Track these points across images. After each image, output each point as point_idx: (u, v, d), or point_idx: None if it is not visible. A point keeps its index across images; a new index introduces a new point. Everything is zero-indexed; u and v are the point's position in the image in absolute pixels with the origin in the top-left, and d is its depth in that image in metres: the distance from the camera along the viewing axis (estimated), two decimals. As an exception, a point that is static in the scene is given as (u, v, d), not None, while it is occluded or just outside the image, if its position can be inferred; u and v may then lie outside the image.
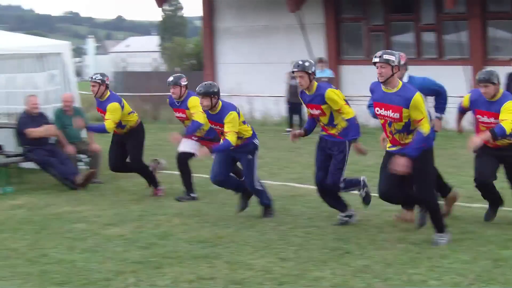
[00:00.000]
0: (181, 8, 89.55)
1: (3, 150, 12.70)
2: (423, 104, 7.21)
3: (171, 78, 10.13)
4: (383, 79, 7.24)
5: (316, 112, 8.38)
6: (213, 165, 9.09)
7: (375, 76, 7.33)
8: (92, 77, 10.63)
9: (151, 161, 11.21)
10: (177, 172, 10.53)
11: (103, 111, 10.49)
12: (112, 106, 10.40)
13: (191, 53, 42.20)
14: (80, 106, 13.07)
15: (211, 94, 8.72)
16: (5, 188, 11.34)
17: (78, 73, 36.34)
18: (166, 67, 47.12)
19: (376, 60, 7.22)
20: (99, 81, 10.56)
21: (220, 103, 8.82)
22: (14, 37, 14.21)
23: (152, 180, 10.85)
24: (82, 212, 9.69)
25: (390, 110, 7.27)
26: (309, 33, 20.75)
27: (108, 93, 10.66)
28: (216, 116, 8.82)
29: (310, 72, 8.24)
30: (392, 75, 7.22)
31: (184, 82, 10.12)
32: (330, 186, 8.37)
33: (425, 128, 7.21)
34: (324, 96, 8.19)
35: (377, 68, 7.23)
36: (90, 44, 55.71)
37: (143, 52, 74.61)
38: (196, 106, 9.79)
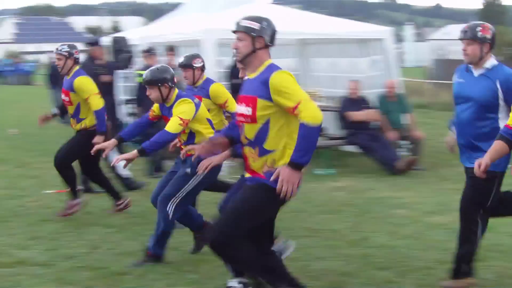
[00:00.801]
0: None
1: (326, 132, 12.99)
2: None
3: (181, 59, 7.95)
4: None
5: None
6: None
7: None
8: (57, 49, 8.54)
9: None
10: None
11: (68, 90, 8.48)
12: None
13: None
14: (403, 92, 12.97)
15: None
16: (327, 169, 11.57)
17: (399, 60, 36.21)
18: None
19: None
20: (66, 53, 8.47)
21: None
22: (337, 22, 14.44)
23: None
24: (403, 198, 9.57)
25: None
26: None
27: (76, 68, 8.55)
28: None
29: None
30: None
31: (198, 63, 7.81)
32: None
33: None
34: None
35: None
36: (409, 31, 55.58)
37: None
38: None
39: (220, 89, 7.66)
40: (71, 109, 8.47)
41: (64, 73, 8.45)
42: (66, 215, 8.36)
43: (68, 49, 8.41)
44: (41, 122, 8.74)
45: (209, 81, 7.68)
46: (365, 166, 11.92)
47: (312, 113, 4.67)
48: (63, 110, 8.72)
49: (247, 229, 4.91)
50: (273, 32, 4.99)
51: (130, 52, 11.00)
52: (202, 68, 7.70)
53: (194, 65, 7.61)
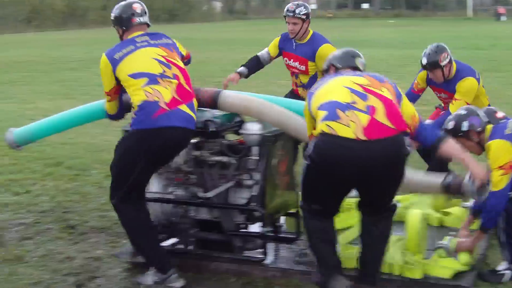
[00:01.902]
0: None
1: None
2: None
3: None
4: None
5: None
6: None
7: None
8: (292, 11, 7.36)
9: None
10: None
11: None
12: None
13: None
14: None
15: None
16: None
17: None
18: None
19: None
20: (304, 16, 7.37)
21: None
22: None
23: None
24: None
25: None
26: None
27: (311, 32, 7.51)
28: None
29: None
30: None
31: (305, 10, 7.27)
32: None
33: None
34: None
35: None
36: None
37: None
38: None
39: None
40: (304, 78, 7.59)
41: (298, 38, 7.45)
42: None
43: (306, 11, 7.38)
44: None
45: None
46: None
47: None
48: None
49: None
50: None
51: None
52: None
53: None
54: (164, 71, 5.04)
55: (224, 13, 70.14)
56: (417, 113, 4.80)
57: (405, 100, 4.74)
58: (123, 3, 5.39)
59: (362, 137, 4.38)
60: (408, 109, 4.73)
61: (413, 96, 7.19)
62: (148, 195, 5.41)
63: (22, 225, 6.73)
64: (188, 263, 5.50)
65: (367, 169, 4.44)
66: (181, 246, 5.65)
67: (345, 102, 4.49)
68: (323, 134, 4.47)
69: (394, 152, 4.48)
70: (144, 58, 5.07)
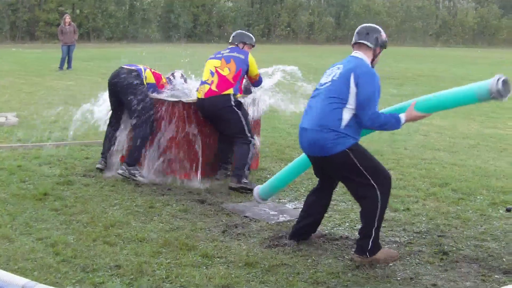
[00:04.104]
0: None
1: None
2: None
3: None
4: None
5: None
6: None
7: None
8: None
9: None
10: None
11: None
12: None
13: None
14: None
15: None
16: None
17: None
18: None
19: None
20: None
21: None
22: None
23: None
24: None
25: None
26: None
27: None
28: None
29: None
30: None
31: None
32: None
33: None
34: None
35: None
36: None
37: None
38: None
39: None
40: None
41: None
42: None
43: None
44: None
45: None
46: None
47: None
48: None
49: None
50: None
51: None
52: None
53: None
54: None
55: None
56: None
57: (251, 67, 8.63)
58: None
59: (203, 97, 8.46)
60: (253, 71, 8.69)
61: None
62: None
63: (394, 243, 6.56)
64: None
65: (205, 113, 8.56)
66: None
67: (203, 80, 8.60)
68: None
69: (214, 104, 8.41)
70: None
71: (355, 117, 5.83)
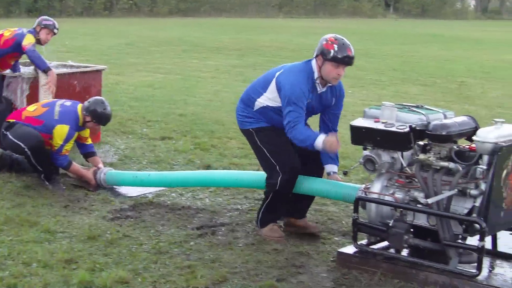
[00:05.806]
0: None
1: None
2: None
3: None
4: None
5: None
6: None
7: None
8: None
9: None
10: None
11: None
12: None
13: None
14: None
15: None
16: None
17: None
18: None
19: None
20: None
21: None
22: None
23: None
24: None
25: None
26: None
27: None
28: None
29: None
30: None
31: None
32: None
33: None
34: None
35: None
36: None
37: None
38: None
39: None
40: None
41: None
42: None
43: None
44: None
45: None
46: None
47: None
48: None
49: None
50: None
51: None
52: None
53: None
54: None
55: (477, 11, 67.69)
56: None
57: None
58: None
59: None
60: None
61: None
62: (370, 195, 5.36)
63: (236, 210, 6.70)
64: (397, 269, 5.19)
65: None
66: (392, 251, 5.36)
67: None
68: None
69: None
70: None
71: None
